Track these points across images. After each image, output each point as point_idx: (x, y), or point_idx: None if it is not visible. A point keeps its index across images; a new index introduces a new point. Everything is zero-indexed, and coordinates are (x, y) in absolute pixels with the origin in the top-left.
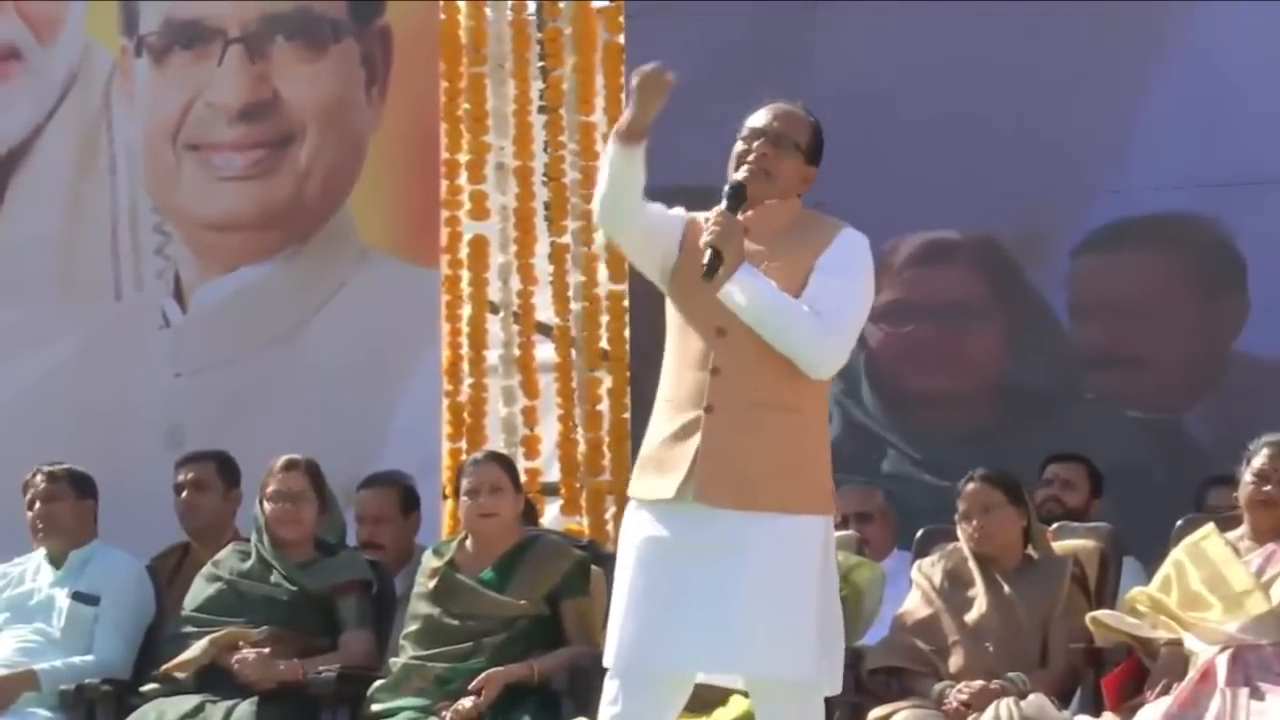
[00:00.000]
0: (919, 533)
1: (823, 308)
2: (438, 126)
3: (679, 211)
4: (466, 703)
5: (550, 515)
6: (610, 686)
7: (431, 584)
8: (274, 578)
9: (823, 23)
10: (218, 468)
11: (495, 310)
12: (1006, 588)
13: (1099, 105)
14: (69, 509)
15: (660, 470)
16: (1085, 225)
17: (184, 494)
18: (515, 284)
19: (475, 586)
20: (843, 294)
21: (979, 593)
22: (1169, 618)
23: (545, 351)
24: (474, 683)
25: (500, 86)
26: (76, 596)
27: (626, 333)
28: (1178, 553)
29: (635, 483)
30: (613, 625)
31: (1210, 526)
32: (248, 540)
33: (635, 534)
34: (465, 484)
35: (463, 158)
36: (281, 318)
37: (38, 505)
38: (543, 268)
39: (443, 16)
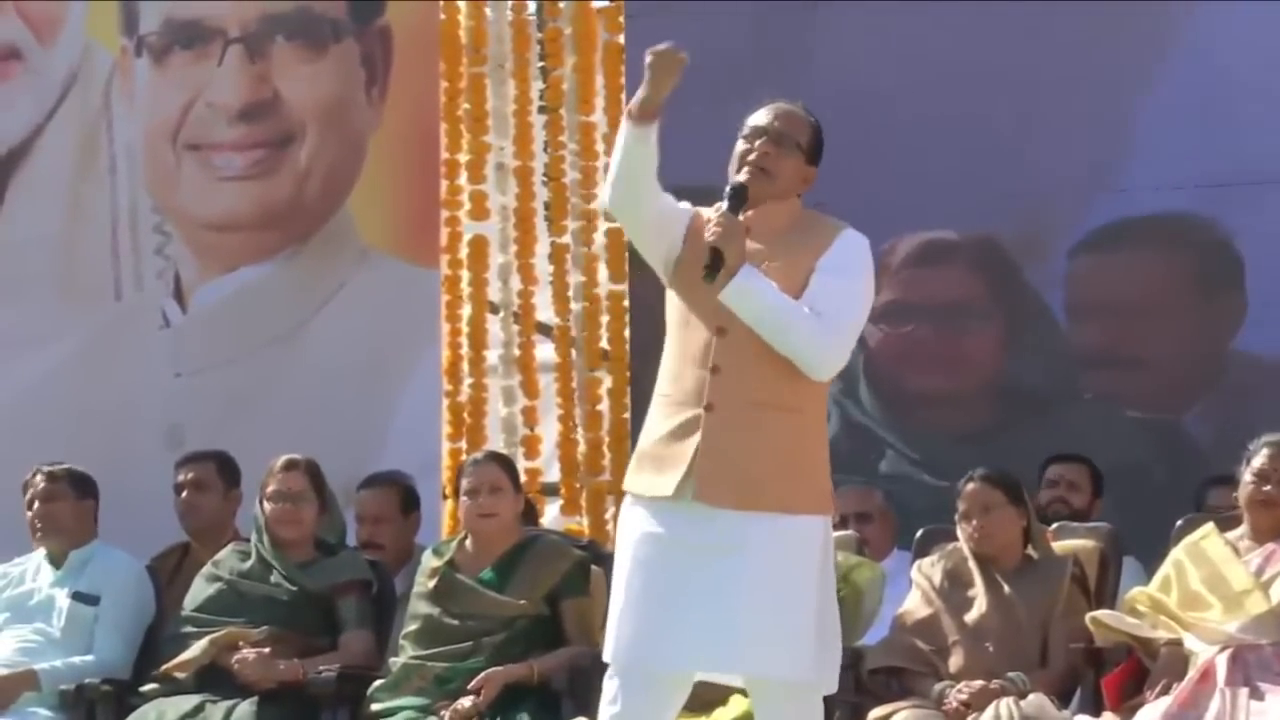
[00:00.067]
0: (919, 533)
1: (823, 309)
2: (438, 126)
3: (686, 205)
4: (466, 702)
5: (550, 515)
6: (610, 686)
7: (431, 584)
8: (274, 578)
9: (823, 23)
10: (218, 468)
11: (495, 310)
12: (1006, 588)
13: (1098, 105)
14: (69, 509)
15: (659, 467)
16: (1084, 225)
17: (184, 494)
18: (515, 284)
19: (475, 586)
20: (843, 295)
21: (979, 593)
22: (1169, 618)
23: (545, 351)
24: (473, 682)
25: (500, 86)
26: (76, 596)
27: (626, 333)
28: (1177, 552)
29: (632, 478)
30: (611, 622)
31: (1210, 526)
32: (248, 540)
33: (633, 530)
34: (465, 484)
35: (463, 158)
36: (281, 318)
37: (37, 505)
38: (543, 268)
39: (443, 16)
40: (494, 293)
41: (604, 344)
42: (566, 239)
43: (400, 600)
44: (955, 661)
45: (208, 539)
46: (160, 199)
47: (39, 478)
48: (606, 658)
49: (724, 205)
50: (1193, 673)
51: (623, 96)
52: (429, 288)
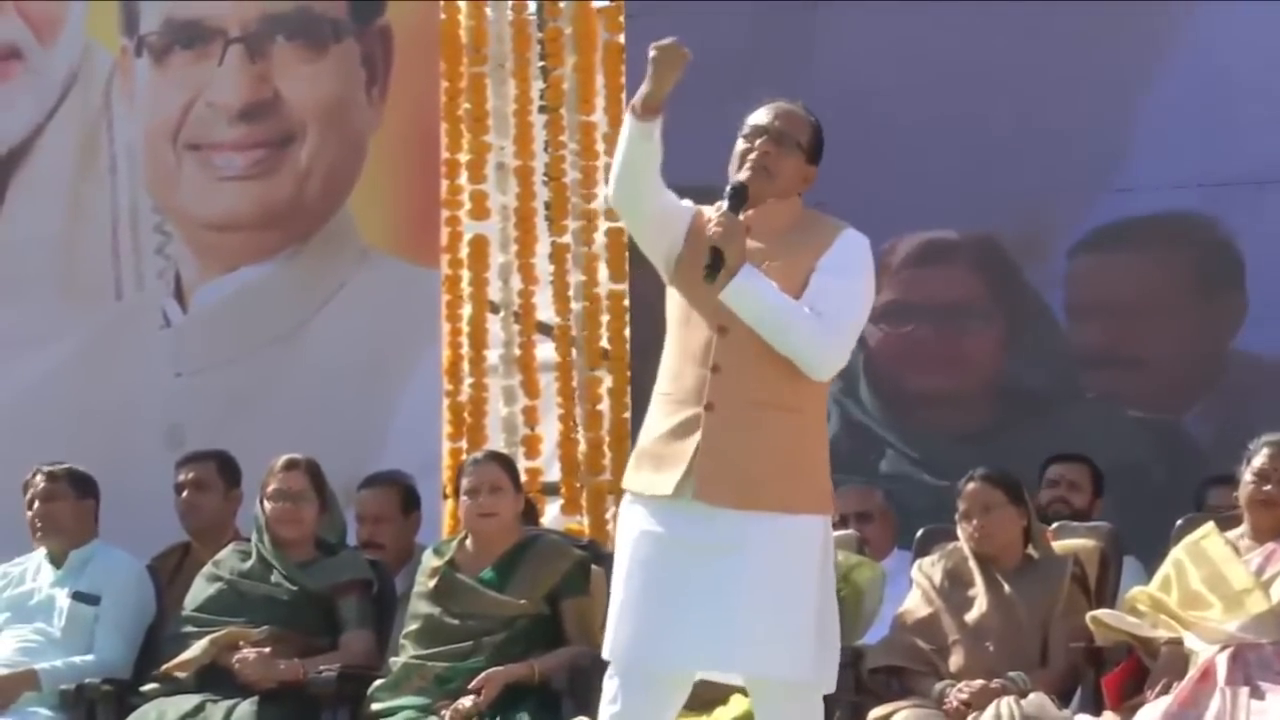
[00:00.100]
0: (919, 532)
1: (823, 309)
2: (438, 126)
3: (688, 203)
4: (466, 702)
5: (551, 515)
6: (610, 685)
7: (432, 583)
8: (274, 577)
9: (823, 23)
10: (218, 467)
11: (496, 310)
12: (1007, 587)
13: (1098, 105)
14: (69, 509)
15: (658, 466)
16: (1085, 225)
17: (184, 494)
18: (516, 283)
19: (475, 586)
20: (843, 295)
21: (979, 592)
22: (1169, 617)
23: (546, 351)
24: (474, 682)
25: (501, 86)
26: (77, 596)
27: (627, 332)
28: (1178, 552)
29: (631, 476)
30: (610, 620)
31: (1210, 526)
32: (248, 540)
33: (632, 529)
34: (465, 483)
35: (463, 157)
36: (282, 317)
37: (37, 505)
38: (543, 267)
39: (443, 16)
40: (494, 292)
41: (604, 343)
42: (567, 239)
43: (400, 600)
44: (956, 661)
45: (208, 539)
46: (161, 199)
47: (39, 477)
48: (606, 656)
49: (724, 204)
50: (1193, 672)
51: (623, 96)
52: (429, 287)
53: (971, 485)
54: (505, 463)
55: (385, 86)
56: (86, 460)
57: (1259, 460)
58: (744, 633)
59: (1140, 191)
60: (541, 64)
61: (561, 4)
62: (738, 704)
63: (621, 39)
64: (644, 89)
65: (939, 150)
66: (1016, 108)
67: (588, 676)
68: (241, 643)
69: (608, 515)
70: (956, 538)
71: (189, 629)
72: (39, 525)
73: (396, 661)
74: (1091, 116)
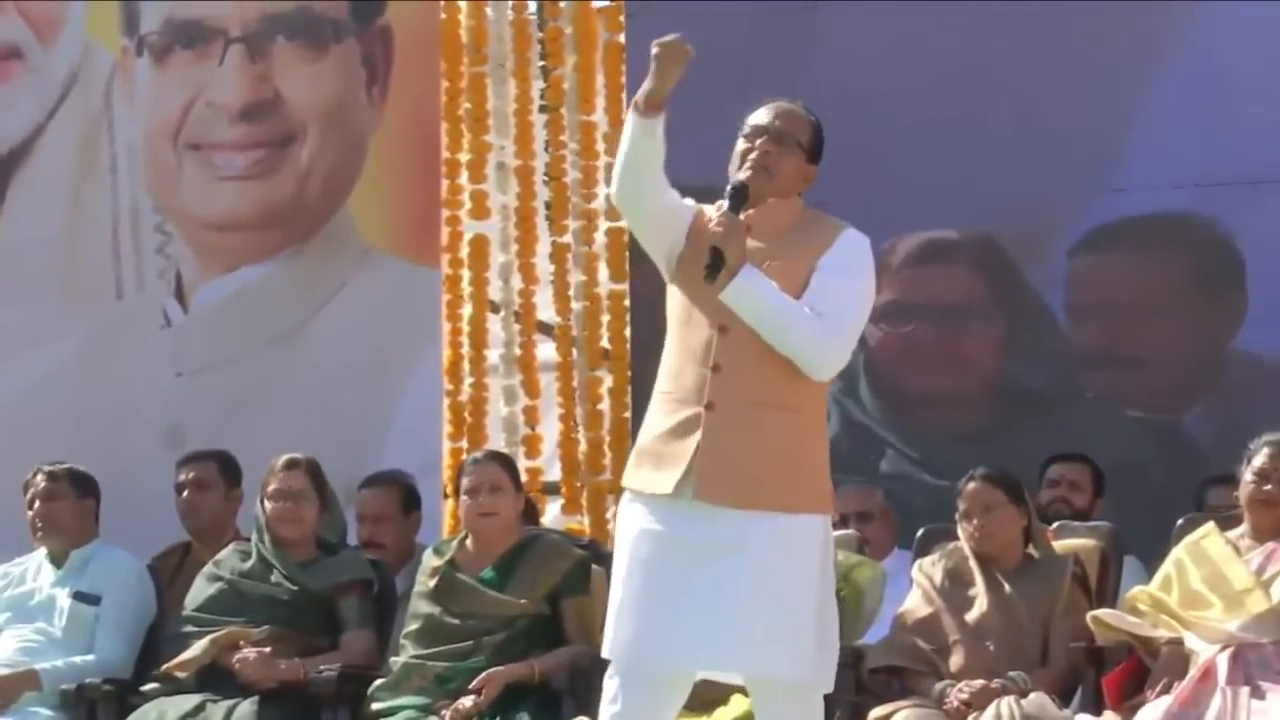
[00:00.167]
0: (920, 532)
1: (824, 309)
2: (438, 126)
3: (690, 201)
4: (467, 702)
5: (551, 514)
6: (610, 685)
7: (432, 583)
8: (275, 577)
9: (823, 23)
10: (219, 467)
11: (496, 309)
12: (1007, 587)
13: (1098, 105)
14: (69, 508)
15: (658, 465)
16: (1084, 225)
17: (185, 493)
18: (516, 283)
19: (476, 585)
20: (844, 295)
21: (980, 592)
22: (1170, 616)
23: (546, 351)
24: (474, 682)
25: (501, 86)
26: (78, 596)
27: (627, 332)
28: (1178, 551)
29: (631, 474)
30: (610, 619)
31: (1210, 525)
32: (249, 540)
33: (632, 527)
34: (465, 483)
35: (464, 157)
36: (282, 317)
37: (38, 505)
38: (544, 267)
39: (443, 16)
40: (495, 292)
41: (605, 343)
42: (567, 238)
43: (401, 600)
44: (956, 661)
45: (209, 538)
46: (161, 198)
47: (40, 477)
48: (605, 654)
49: (725, 204)
50: (1194, 672)
51: (623, 95)
52: (430, 287)
53: (972, 485)
54: (505, 462)
55: (386, 86)
56: (87, 460)
57: (1259, 460)
58: (744, 632)
59: (1140, 191)
60: (542, 64)
61: (562, 3)
62: (738, 704)
63: (622, 38)
64: (647, 85)
65: (939, 150)
66: (1016, 108)
67: (588, 676)
68: (242, 642)
69: (608, 515)
70: (957, 537)
71: (189, 629)
72: (39, 525)
73: (397, 661)
74: (1091, 116)
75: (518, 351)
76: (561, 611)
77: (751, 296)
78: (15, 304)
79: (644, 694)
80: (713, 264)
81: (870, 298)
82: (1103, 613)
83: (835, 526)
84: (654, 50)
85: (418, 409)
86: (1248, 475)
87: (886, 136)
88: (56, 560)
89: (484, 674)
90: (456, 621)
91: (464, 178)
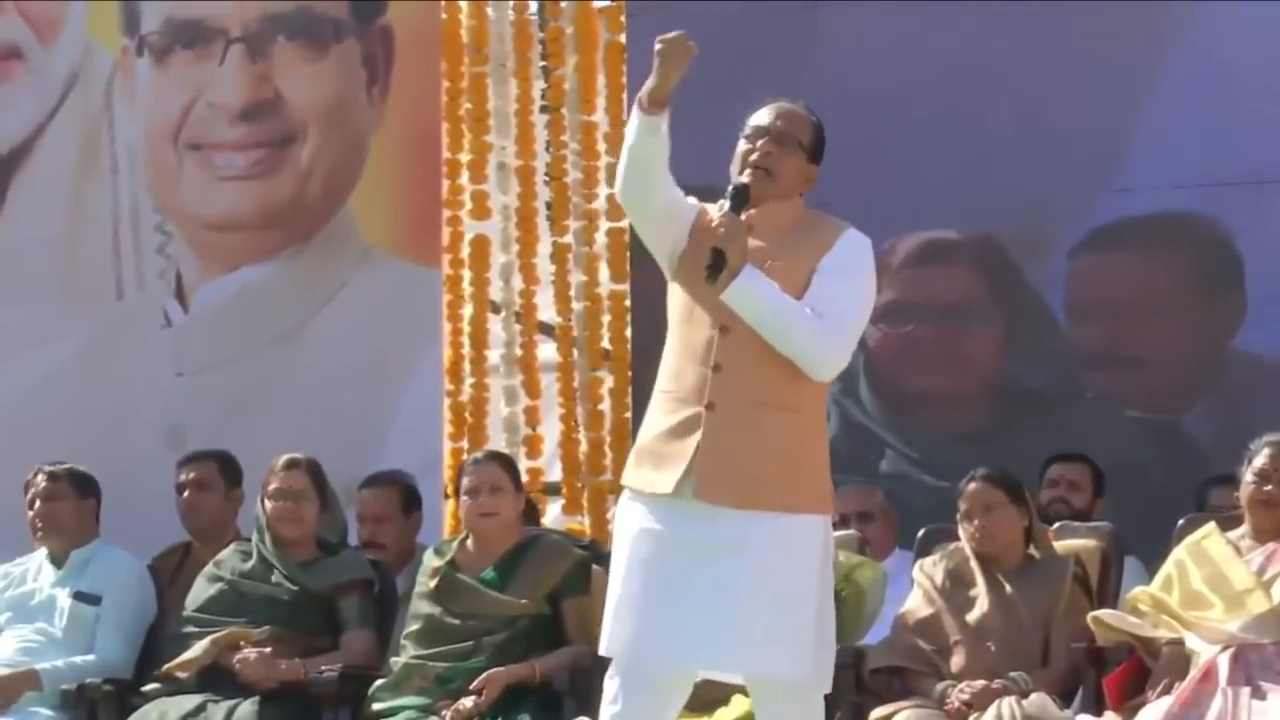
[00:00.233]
0: (920, 532)
1: (825, 309)
2: (439, 126)
3: (693, 200)
4: (467, 702)
5: (552, 515)
6: (610, 686)
7: (432, 583)
8: (275, 577)
9: (823, 22)
10: (219, 467)
11: (497, 310)
12: (1008, 587)
13: (1099, 104)
14: (70, 508)
15: (658, 464)
16: (1085, 225)
17: (185, 493)
18: (517, 283)
19: (476, 586)
20: (845, 296)
21: (980, 592)
22: (1170, 617)
23: (547, 351)
24: (475, 682)
25: (502, 86)
26: (78, 596)
27: (628, 332)
28: (1179, 552)
29: (631, 473)
30: (608, 617)
31: (1211, 526)
32: (249, 540)
33: (631, 526)
34: (466, 483)
35: (464, 157)
36: (283, 317)
37: (38, 505)
38: (544, 267)
39: (444, 16)
40: (495, 292)
41: (606, 343)
42: (568, 238)
43: (402, 600)
44: (957, 661)
45: (209, 539)
46: (161, 198)
47: (40, 477)
48: (603, 652)
49: (726, 205)
50: (1194, 672)
51: (624, 96)
52: (430, 287)
53: (972, 485)
54: (506, 462)
55: (386, 86)
56: (87, 460)
57: (1260, 460)
58: (744, 632)
59: (1141, 191)
60: (543, 64)
61: (563, 3)
62: (738, 704)
63: (623, 38)
64: (650, 82)
65: (940, 150)
66: (1017, 108)
67: (589, 676)
68: (242, 643)
69: (609, 515)
70: (958, 538)
71: (190, 629)
72: (40, 525)
73: (397, 661)
74: (1093, 116)
75: (518, 352)
76: (562, 612)
77: (753, 297)
78: (15, 304)
79: (644, 694)
80: (714, 264)
81: (871, 298)
82: (1103, 613)
83: (836, 527)
84: (657, 47)
85: (418, 409)
86: (1248, 476)
87: (887, 136)
88: (57, 560)
89: (485, 674)
90: (457, 622)
91: (465, 178)
